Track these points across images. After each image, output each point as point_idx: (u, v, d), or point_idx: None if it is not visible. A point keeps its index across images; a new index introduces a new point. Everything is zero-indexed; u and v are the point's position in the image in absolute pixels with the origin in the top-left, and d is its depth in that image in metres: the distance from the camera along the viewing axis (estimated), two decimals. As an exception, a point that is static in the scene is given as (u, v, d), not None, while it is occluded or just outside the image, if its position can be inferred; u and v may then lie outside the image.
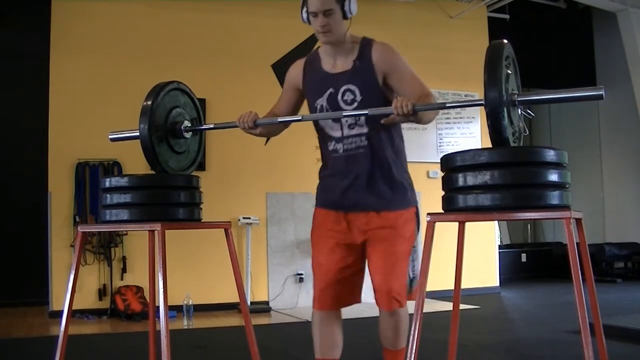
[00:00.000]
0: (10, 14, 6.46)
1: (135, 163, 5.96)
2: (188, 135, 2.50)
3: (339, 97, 2.25)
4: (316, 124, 2.32)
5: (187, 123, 2.49)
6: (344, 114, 2.20)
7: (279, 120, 2.35)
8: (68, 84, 5.84)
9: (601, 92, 1.88)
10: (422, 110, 2.10)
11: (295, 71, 2.40)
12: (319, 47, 2.38)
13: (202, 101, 6.16)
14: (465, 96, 7.38)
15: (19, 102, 6.47)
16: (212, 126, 2.62)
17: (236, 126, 2.34)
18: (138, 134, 2.32)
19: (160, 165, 2.37)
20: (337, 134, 2.27)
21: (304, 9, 2.24)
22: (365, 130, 2.24)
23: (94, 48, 5.97)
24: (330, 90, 2.26)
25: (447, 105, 2.22)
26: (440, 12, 7.39)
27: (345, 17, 2.22)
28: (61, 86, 5.82)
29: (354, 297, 2.35)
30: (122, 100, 5.98)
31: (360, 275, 2.34)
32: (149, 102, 2.33)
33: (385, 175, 2.27)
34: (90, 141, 5.83)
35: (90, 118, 5.87)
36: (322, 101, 2.28)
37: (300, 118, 2.29)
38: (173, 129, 2.44)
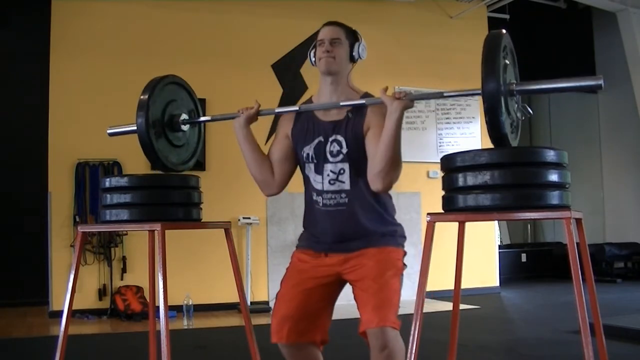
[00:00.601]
0: (10, 14, 6.46)
1: (135, 163, 5.97)
2: (186, 128, 2.47)
3: (327, 147, 2.16)
4: (302, 169, 2.23)
5: (184, 116, 2.46)
6: (341, 103, 2.15)
7: (276, 110, 2.30)
8: (68, 84, 5.84)
9: (600, 82, 1.86)
10: (419, 99, 2.06)
11: (287, 116, 2.29)
12: (311, 96, 2.31)
13: (202, 101, 6.15)
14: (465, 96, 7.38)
15: (18, 102, 6.47)
16: (209, 118, 2.57)
17: (234, 117, 2.29)
18: (135, 128, 2.29)
19: (160, 160, 2.35)
20: (318, 186, 2.17)
21: (313, 51, 2.22)
22: (346, 187, 2.13)
23: (94, 48, 5.97)
24: (320, 138, 2.17)
25: (445, 94, 2.14)
26: (440, 12, 7.39)
27: (352, 59, 2.19)
28: (61, 86, 5.82)
29: (319, 334, 2.14)
30: (122, 100, 5.95)
31: (328, 312, 2.19)
32: (146, 96, 2.30)
33: (369, 228, 2.14)
34: (90, 141, 5.84)
35: (90, 118, 5.87)
36: (309, 149, 2.18)
37: (298, 109, 2.23)
38: (171, 123, 2.41)
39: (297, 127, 2.23)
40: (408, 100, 2.01)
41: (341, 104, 2.15)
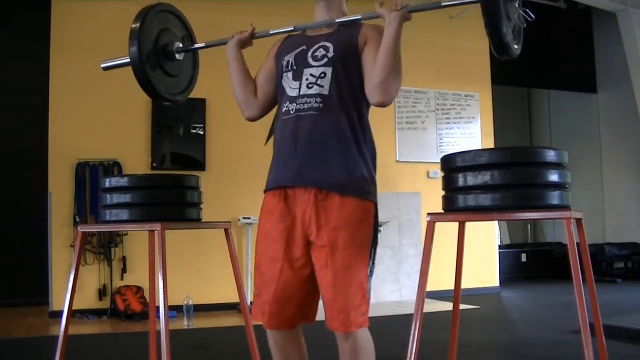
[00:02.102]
0: (9, 14, 6.46)
1: (135, 163, 5.98)
2: (180, 56, 2.39)
3: (309, 53, 2.02)
4: (279, 83, 2.08)
5: (178, 44, 2.39)
6: (336, 19, 2.03)
7: (270, 32, 2.21)
8: (68, 84, 5.84)
9: None
10: (416, 11, 1.93)
11: (278, 39, 2.22)
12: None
13: (202, 101, 6.17)
14: (465, 96, 7.39)
15: (18, 102, 6.46)
16: (203, 45, 2.46)
17: (225, 42, 2.23)
18: (129, 59, 2.20)
19: (156, 90, 2.27)
20: (293, 92, 2.00)
21: None
22: (324, 92, 1.95)
23: (94, 48, 5.95)
24: (303, 47, 2.05)
25: (443, 4, 1.99)
26: (440, 12, 7.34)
27: None
28: (61, 86, 5.82)
29: (307, 315, 1.99)
30: (122, 100, 5.99)
31: (315, 294, 1.97)
32: (137, 25, 2.20)
33: (342, 148, 1.92)
34: (90, 141, 5.84)
35: (90, 118, 5.88)
36: (289, 57, 2.05)
37: (292, 28, 2.15)
38: (165, 52, 2.33)
39: (284, 44, 2.15)
40: (406, 12, 1.92)
41: (336, 20, 2.05)
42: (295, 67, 2.02)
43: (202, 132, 6.23)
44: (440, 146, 7.21)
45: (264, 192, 2.06)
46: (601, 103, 9.32)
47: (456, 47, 7.30)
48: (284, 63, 2.06)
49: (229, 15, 6.47)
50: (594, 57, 9.22)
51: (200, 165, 6.18)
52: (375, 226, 1.98)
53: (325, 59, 1.99)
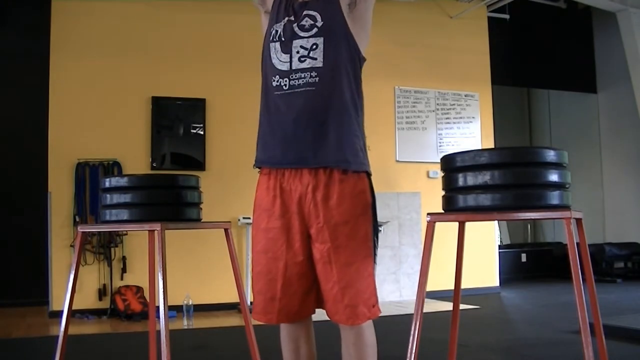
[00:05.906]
0: (10, 14, 6.46)
1: (135, 163, 5.98)
2: None
3: (296, 24, 1.95)
4: (264, 53, 2.02)
5: None
6: None
7: None
8: (68, 84, 5.84)
9: None
10: None
11: None
12: None
13: (202, 101, 6.17)
14: (465, 96, 7.39)
15: (19, 102, 6.47)
16: None
17: None
18: None
19: None
20: (284, 66, 1.93)
21: None
22: (319, 64, 1.89)
23: (94, 48, 5.97)
24: (290, 17, 1.98)
25: None
26: (440, 12, 7.39)
27: None
28: (61, 86, 5.82)
29: (318, 301, 1.98)
30: (122, 100, 5.99)
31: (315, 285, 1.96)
32: None
33: (343, 123, 1.91)
34: (90, 141, 5.84)
35: (90, 118, 5.88)
36: (279, 27, 1.98)
37: None
38: None
39: (276, 2, 2.07)
40: None
41: None
42: (283, 39, 1.96)
43: (202, 132, 6.23)
44: (440, 146, 7.21)
45: (258, 167, 2.02)
46: (601, 103, 9.32)
47: (456, 47, 7.30)
48: (272, 32, 2.00)
49: (226, 14, 6.46)
50: (594, 57, 9.22)
51: (200, 165, 6.18)
52: (373, 200, 1.97)
53: (315, 29, 1.93)
